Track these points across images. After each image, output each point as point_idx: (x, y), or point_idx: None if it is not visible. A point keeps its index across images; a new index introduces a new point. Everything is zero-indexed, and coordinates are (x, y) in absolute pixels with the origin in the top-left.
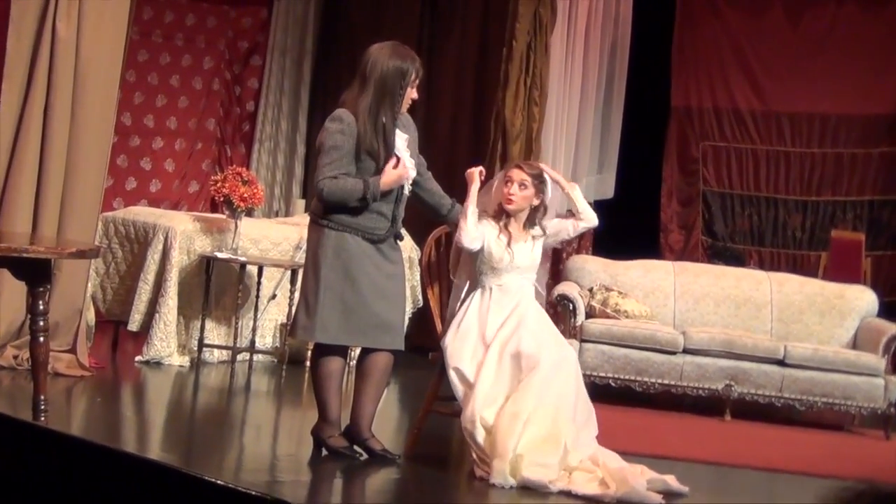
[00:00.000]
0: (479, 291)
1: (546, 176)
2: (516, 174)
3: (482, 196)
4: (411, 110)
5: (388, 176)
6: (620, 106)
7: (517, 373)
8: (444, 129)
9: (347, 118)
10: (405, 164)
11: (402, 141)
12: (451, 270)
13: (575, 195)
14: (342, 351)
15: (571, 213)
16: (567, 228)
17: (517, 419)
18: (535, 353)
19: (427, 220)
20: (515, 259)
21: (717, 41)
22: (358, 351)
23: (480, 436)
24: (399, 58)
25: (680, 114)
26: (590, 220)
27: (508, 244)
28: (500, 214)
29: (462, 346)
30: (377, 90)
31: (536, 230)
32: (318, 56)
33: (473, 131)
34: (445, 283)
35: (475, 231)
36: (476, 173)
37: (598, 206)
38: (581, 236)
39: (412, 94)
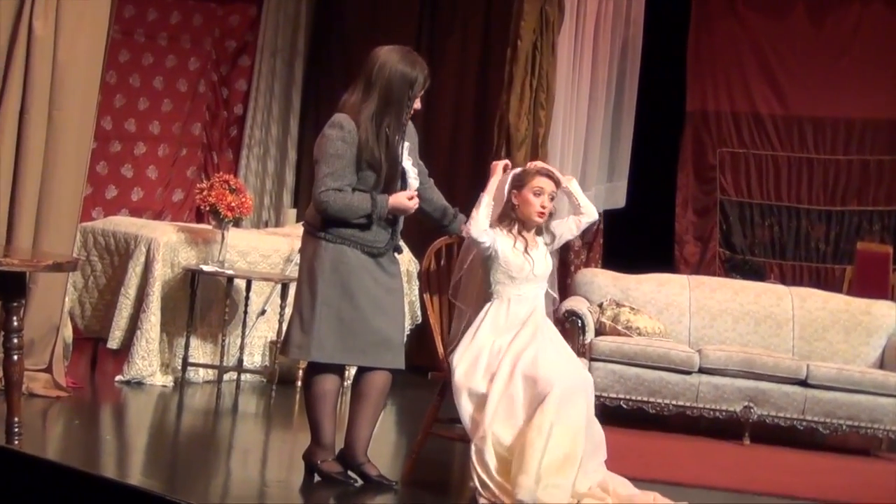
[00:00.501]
0: (495, 303)
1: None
2: (547, 184)
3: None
4: (412, 117)
5: (400, 203)
6: (632, 110)
7: (532, 395)
8: (444, 134)
9: (349, 125)
10: (417, 198)
11: (405, 150)
12: (452, 292)
13: (573, 188)
14: (338, 370)
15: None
16: (570, 227)
17: (541, 435)
18: (551, 377)
19: (426, 230)
20: (536, 267)
21: (736, 42)
22: (353, 370)
23: (490, 455)
24: (409, 64)
25: (696, 118)
26: (591, 213)
27: (526, 251)
28: (510, 221)
29: (475, 365)
30: (382, 97)
31: (546, 236)
32: (310, 57)
33: (475, 136)
34: (446, 298)
35: (485, 222)
36: (500, 167)
37: (609, 216)
38: (590, 248)
39: (418, 103)
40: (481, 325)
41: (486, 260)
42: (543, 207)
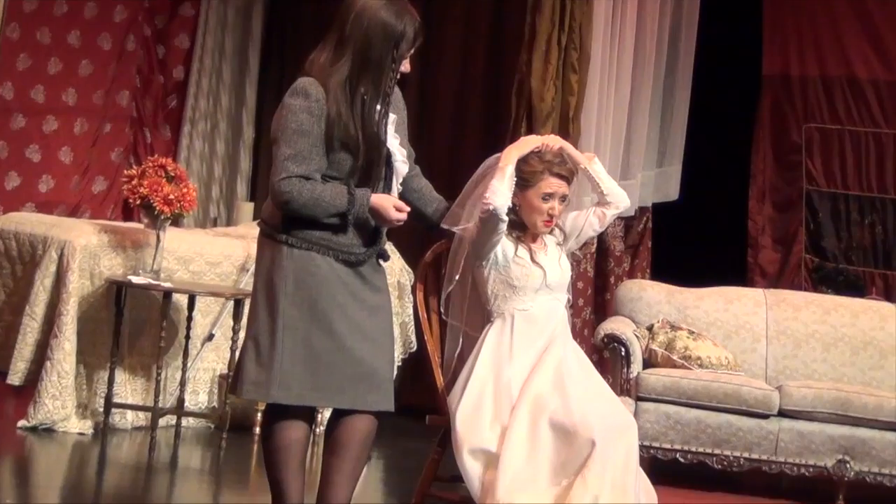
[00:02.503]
0: (496, 323)
1: (570, 163)
2: (558, 186)
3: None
4: (401, 82)
5: (383, 209)
6: (688, 74)
7: (568, 455)
8: (446, 105)
9: (316, 92)
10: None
11: (390, 124)
12: (444, 307)
13: (596, 170)
14: (306, 414)
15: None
16: (591, 221)
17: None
18: (591, 425)
19: (422, 232)
20: (549, 275)
21: None
22: (327, 413)
23: None
24: (394, 14)
25: (775, 85)
26: (619, 201)
27: (533, 258)
28: (509, 223)
29: (478, 412)
30: (359, 56)
31: (556, 231)
32: (272, 3)
33: (487, 108)
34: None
35: (509, 195)
36: (529, 140)
37: (660, 211)
38: (635, 253)
39: (405, 65)
40: (479, 354)
41: (480, 263)
42: (552, 215)
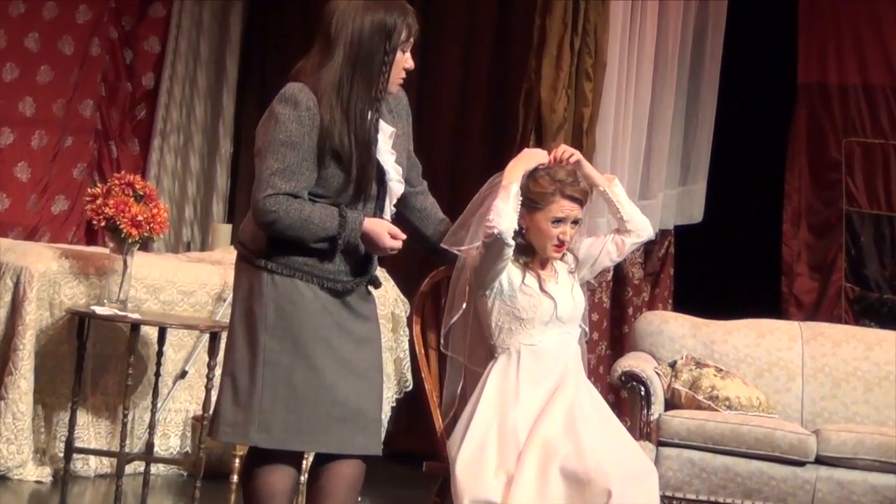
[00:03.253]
0: (500, 360)
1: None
2: (570, 210)
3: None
4: (406, 87)
5: (376, 236)
6: (715, 82)
7: (577, 500)
8: (445, 115)
9: (306, 99)
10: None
11: (386, 136)
12: (444, 341)
13: (616, 193)
14: (293, 458)
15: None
16: (608, 250)
17: None
18: (606, 473)
19: (420, 257)
20: (560, 307)
21: None
22: (311, 457)
23: None
24: (381, 8)
25: (811, 94)
26: (640, 229)
27: (542, 287)
28: (515, 247)
29: (481, 457)
30: (349, 55)
31: (568, 257)
32: (252, 3)
33: (492, 120)
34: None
35: (515, 217)
36: (533, 155)
37: (684, 234)
38: (656, 280)
39: (404, 61)
40: (482, 394)
41: (483, 292)
42: (563, 241)
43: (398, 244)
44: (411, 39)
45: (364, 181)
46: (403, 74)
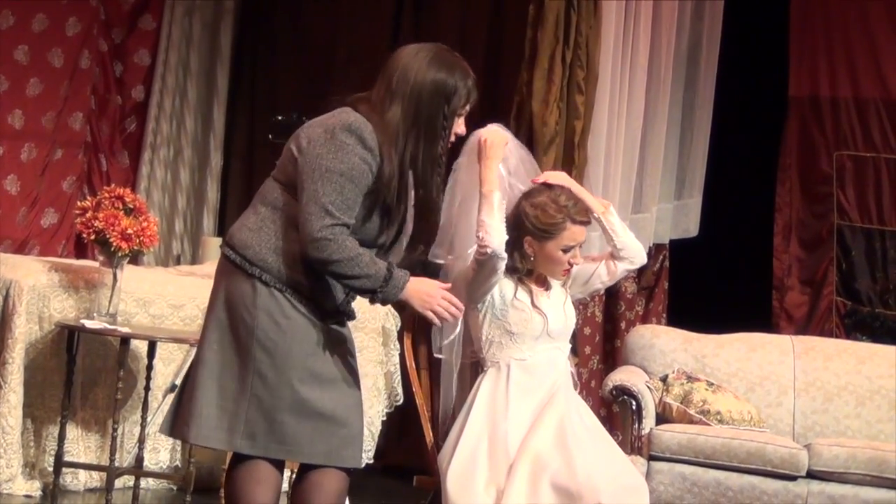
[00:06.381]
0: (489, 373)
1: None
2: (580, 234)
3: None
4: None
5: (428, 301)
6: (710, 94)
7: None
8: None
9: (372, 141)
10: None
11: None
12: (435, 347)
13: (611, 222)
14: (275, 464)
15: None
16: (599, 273)
17: None
18: (596, 487)
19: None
20: (551, 322)
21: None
22: (297, 468)
23: None
24: (444, 68)
25: (803, 108)
26: (633, 256)
27: (534, 302)
28: (512, 270)
29: (472, 471)
30: (408, 111)
31: None
32: (243, 16)
33: None
34: (439, 371)
35: (503, 224)
36: (499, 143)
37: (678, 249)
38: (649, 295)
39: (458, 125)
40: (472, 407)
41: (474, 306)
42: (572, 265)
43: (455, 314)
44: (468, 106)
45: (395, 241)
46: (452, 139)
